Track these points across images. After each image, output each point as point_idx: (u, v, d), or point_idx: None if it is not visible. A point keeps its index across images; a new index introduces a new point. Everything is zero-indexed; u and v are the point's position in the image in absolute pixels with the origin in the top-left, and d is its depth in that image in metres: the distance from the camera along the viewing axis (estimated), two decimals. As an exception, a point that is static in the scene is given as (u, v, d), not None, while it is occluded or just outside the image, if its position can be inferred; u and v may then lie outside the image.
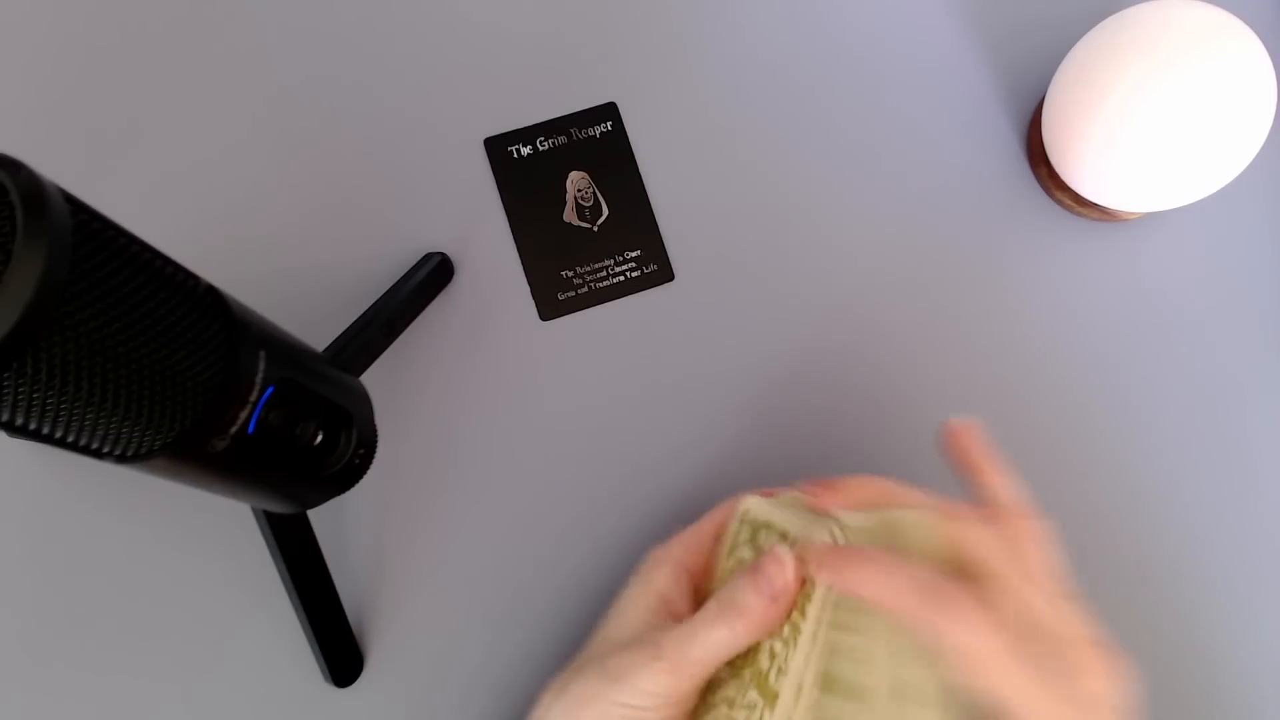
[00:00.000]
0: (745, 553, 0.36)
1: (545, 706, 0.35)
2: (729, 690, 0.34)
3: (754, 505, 0.36)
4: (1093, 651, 0.31)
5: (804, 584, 0.33)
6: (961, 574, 0.32)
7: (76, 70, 0.47)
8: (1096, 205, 0.46)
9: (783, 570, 0.33)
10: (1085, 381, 0.47)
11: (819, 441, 0.46)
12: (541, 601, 0.44)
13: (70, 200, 0.24)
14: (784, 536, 0.35)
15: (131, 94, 0.47)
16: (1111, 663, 0.31)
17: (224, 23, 0.48)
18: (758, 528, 0.36)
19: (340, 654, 0.42)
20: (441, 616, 0.44)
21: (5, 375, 0.22)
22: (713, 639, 0.32)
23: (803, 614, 0.33)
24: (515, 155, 0.48)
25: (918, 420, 0.46)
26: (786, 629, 0.33)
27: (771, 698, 0.32)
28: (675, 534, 0.38)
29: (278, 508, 0.37)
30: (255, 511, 0.40)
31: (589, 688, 0.33)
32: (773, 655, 0.33)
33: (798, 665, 0.32)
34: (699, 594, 0.37)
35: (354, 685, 0.43)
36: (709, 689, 0.34)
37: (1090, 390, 0.47)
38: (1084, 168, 0.44)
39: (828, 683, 0.32)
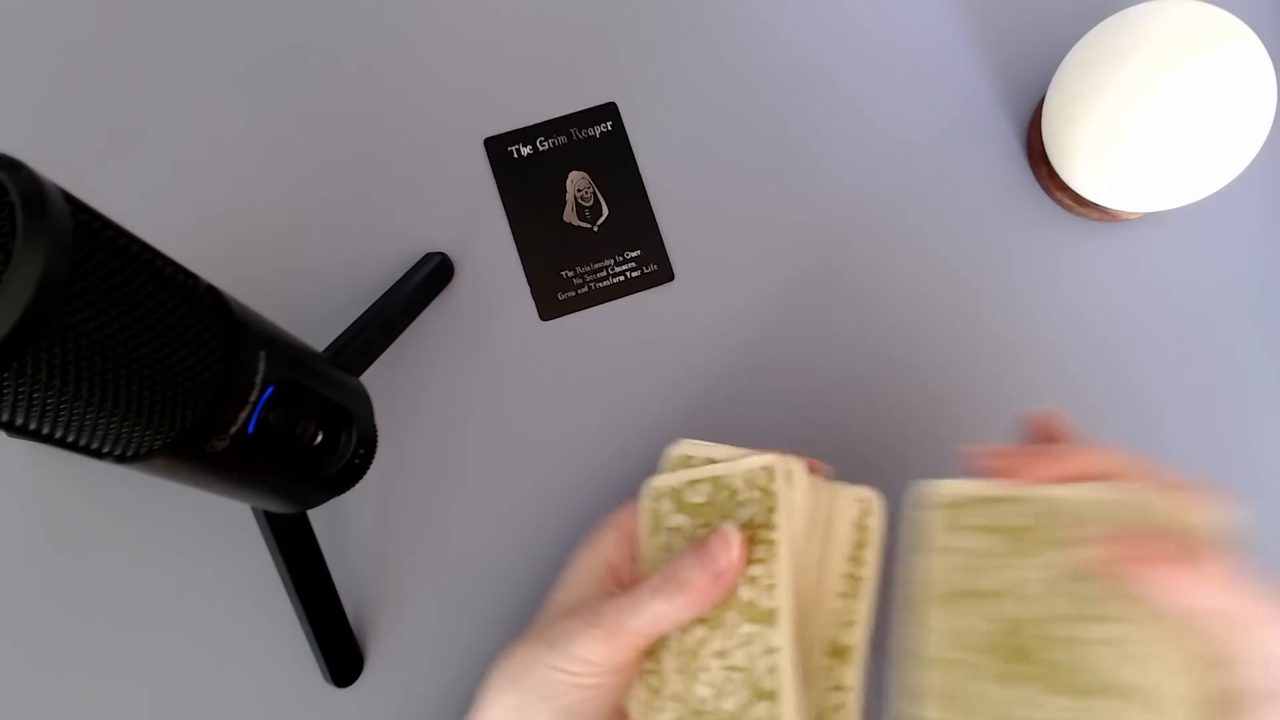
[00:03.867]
0: (676, 520, 0.35)
1: (492, 671, 0.35)
2: (715, 645, 0.33)
3: (658, 480, 0.36)
4: None
5: (767, 505, 0.33)
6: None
7: (77, 70, 0.47)
8: (1096, 205, 0.46)
9: (728, 550, 0.33)
10: (1085, 381, 0.47)
11: (817, 440, 0.46)
12: (541, 601, 0.44)
13: (70, 200, 0.24)
14: (730, 493, 0.34)
15: (131, 94, 0.47)
16: None
17: (224, 23, 0.48)
18: (678, 491, 0.36)
19: (340, 654, 0.42)
20: (442, 616, 0.44)
21: (5, 375, 0.22)
22: (652, 611, 0.33)
23: (771, 526, 0.33)
24: (515, 155, 0.48)
25: (916, 421, 0.46)
26: (760, 549, 0.33)
27: (768, 616, 0.32)
28: (624, 503, 0.38)
29: (278, 508, 0.37)
30: (255, 511, 0.40)
31: (530, 653, 0.34)
32: (753, 580, 0.33)
33: (784, 573, 0.32)
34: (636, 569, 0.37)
35: (354, 685, 0.43)
36: (688, 656, 0.34)
37: (1090, 390, 0.47)
38: (1084, 168, 0.44)
39: (1067, 679, 0.29)
